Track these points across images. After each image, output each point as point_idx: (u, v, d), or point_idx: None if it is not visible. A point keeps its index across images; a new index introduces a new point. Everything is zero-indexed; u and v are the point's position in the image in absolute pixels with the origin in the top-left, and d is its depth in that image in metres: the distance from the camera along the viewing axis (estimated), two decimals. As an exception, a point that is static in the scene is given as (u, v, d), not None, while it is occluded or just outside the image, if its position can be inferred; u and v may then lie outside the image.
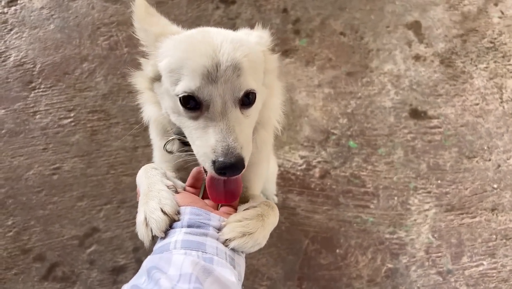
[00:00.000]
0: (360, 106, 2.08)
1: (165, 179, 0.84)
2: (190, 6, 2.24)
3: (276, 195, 1.88)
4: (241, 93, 0.78)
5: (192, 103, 0.78)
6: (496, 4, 2.34)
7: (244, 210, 0.82)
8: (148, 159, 1.07)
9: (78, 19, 2.21)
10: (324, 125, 2.03)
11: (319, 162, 1.96)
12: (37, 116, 2.00)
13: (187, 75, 0.76)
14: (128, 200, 1.86)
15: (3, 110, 2.00)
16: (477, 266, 1.83)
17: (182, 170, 0.95)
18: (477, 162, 2.00)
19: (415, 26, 2.27)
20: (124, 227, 1.82)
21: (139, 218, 0.77)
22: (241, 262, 0.75)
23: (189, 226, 0.72)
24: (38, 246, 1.80)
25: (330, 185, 1.93)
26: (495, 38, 2.26)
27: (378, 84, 2.13)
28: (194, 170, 0.87)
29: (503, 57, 2.22)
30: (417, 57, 2.20)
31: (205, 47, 0.76)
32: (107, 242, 1.81)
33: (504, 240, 1.88)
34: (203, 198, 0.86)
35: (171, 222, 0.74)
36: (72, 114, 2.01)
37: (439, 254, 1.84)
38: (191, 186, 0.86)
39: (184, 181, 0.88)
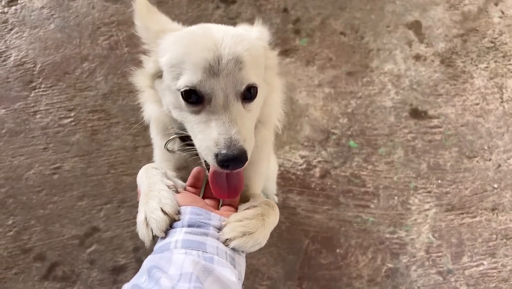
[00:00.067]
0: (360, 106, 2.08)
1: (165, 178, 0.84)
2: (191, 6, 2.24)
3: (277, 195, 1.88)
4: (243, 87, 0.78)
5: (193, 98, 0.78)
6: (496, 4, 2.33)
7: (245, 209, 0.82)
8: (149, 158, 1.08)
9: (79, 18, 2.21)
10: (325, 125, 2.03)
11: (319, 162, 1.96)
12: (38, 116, 2.00)
13: (189, 69, 0.76)
14: (128, 199, 1.86)
15: (3, 110, 2.01)
16: (477, 265, 1.83)
17: (182, 169, 0.95)
18: (477, 161, 2.00)
19: (416, 26, 2.27)
20: (124, 227, 1.82)
21: (140, 218, 0.77)
22: (241, 261, 0.75)
23: (189, 226, 0.72)
24: (39, 245, 1.80)
25: (330, 185, 1.93)
26: (496, 38, 2.26)
27: (378, 84, 2.13)
28: (195, 169, 0.87)
29: (503, 57, 2.22)
30: (417, 57, 2.20)
31: (206, 41, 0.77)
32: (107, 241, 1.81)
33: (504, 240, 1.87)
34: (203, 197, 0.86)
35: (172, 222, 0.74)
36: (72, 114, 2.01)
37: (440, 254, 1.84)
38: (192, 185, 0.86)
39: (184, 180, 0.88)
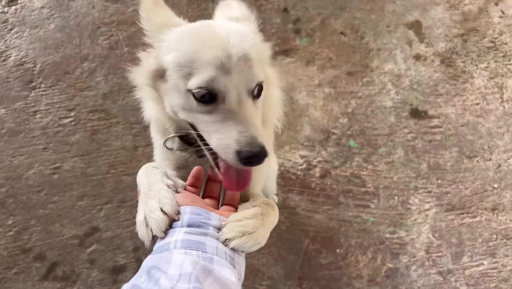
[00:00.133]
0: (360, 106, 2.08)
1: (165, 178, 0.84)
2: (191, 6, 2.24)
3: (277, 195, 1.88)
4: (254, 84, 0.79)
5: (207, 97, 0.77)
6: (496, 4, 2.33)
7: (244, 209, 0.82)
8: (149, 158, 1.08)
9: (79, 18, 2.21)
10: (325, 125, 2.03)
11: (319, 162, 1.96)
12: (38, 116, 2.00)
13: (201, 68, 0.75)
14: (128, 199, 1.86)
15: (3, 110, 2.01)
16: (477, 265, 1.83)
17: (182, 168, 0.95)
18: (477, 161, 2.00)
19: (416, 26, 2.27)
20: (124, 227, 1.82)
21: (139, 218, 0.76)
22: (241, 261, 0.75)
23: (189, 226, 0.72)
24: (39, 245, 1.80)
25: (330, 185, 1.93)
26: (496, 38, 2.26)
27: (378, 84, 2.13)
28: (195, 169, 0.87)
29: (503, 56, 2.21)
30: (417, 57, 2.20)
31: (215, 39, 0.77)
32: (107, 241, 1.81)
33: (504, 240, 1.87)
34: (203, 197, 0.86)
35: (171, 222, 0.74)
36: (72, 114, 2.01)
37: (440, 254, 1.84)
38: (192, 185, 0.86)
39: (184, 179, 0.88)
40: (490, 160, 2.01)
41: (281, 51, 2.17)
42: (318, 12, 2.27)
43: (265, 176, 1.14)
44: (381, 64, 2.17)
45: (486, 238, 1.88)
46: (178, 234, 0.70)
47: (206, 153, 0.84)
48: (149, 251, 0.75)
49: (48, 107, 2.02)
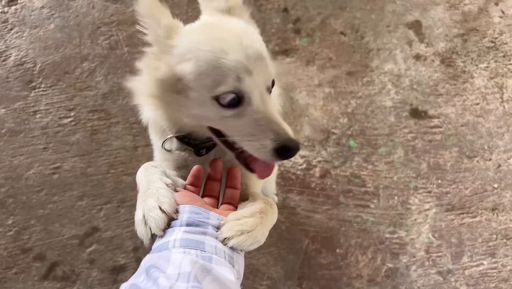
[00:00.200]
0: (360, 105, 2.08)
1: (164, 177, 0.83)
2: (191, 6, 2.24)
3: (276, 195, 1.88)
4: (270, 82, 0.81)
5: (233, 101, 0.77)
6: (496, 4, 2.33)
7: (244, 208, 0.82)
8: (148, 158, 1.08)
9: (79, 18, 2.21)
10: (325, 124, 2.03)
11: (319, 162, 1.96)
12: (37, 116, 2.00)
13: (226, 74, 0.75)
14: (128, 199, 1.86)
15: (3, 110, 2.01)
16: (477, 265, 1.83)
17: (182, 168, 0.95)
18: (477, 161, 2.00)
19: (416, 26, 2.27)
20: (124, 227, 1.82)
21: (138, 216, 0.77)
22: (240, 260, 0.75)
23: (188, 225, 0.72)
24: (38, 245, 1.80)
25: (330, 185, 1.93)
26: (496, 38, 2.26)
27: (378, 83, 2.13)
28: (194, 168, 0.87)
29: (503, 56, 2.21)
30: (417, 57, 2.20)
31: (230, 43, 0.76)
32: (107, 241, 1.81)
33: (504, 240, 1.87)
34: (203, 196, 0.86)
35: (170, 221, 0.74)
36: (72, 114, 2.01)
37: (439, 254, 1.84)
38: (191, 184, 0.86)
39: (184, 179, 0.88)
40: (490, 160, 2.01)
41: (281, 51, 2.17)
42: (318, 12, 2.27)
43: None
44: (381, 64, 2.17)
45: (486, 238, 1.87)
46: (177, 233, 0.70)
47: (228, 151, 0.86)
48: (148, 250, 0.75)
49: (48, 107, 2.02)
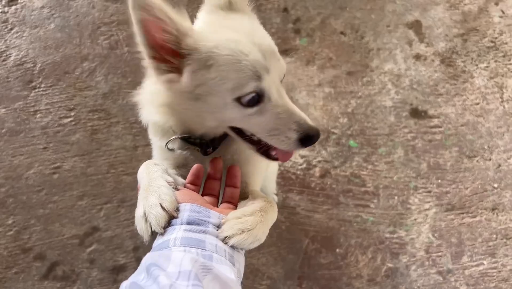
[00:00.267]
0: (360, 105, 2.08)
1: (165, 175, 0.84)
2: (191, 6, 2.24)
3: (276, 194, 1.88)
4: (283, 74, 0.84)
5: (254, 100, 0.79)
6: (496, 4, 2.33)
7: (244, 206, 0.82)
8: (148, 158, 1.08)
9: (79, 18, 2.21)
10: (325, 124, 2.03)
11: (319, 161, 1.96)
12: (38, 116, 2.00)
13: (248, 75, 0.76)
14: (128, 199, 1.86)
15: (3, 110, 2.01)
16: (477, 265, 1.83)
17: (182, 167, 0.95)
18: (477, 161, 2.00)
19: (416, 26, 2.27)
20: (124, 226, 1.82)
21: (138, 213, 0.77)
22: (240, 259, 0.75)
23: (188, 223, 0.72)
24: (39, 245, 1.80)
25: (330, 184, 1.93)
26: (496, 38, 2.26)
27: (378, 83, 2.13)
28: (194, 167, 0.87)
29: (503, 56, 2.21)
30: (417, 57, 2.20)
31: (245, 43, 0.76)
32: (107, 241, 1.81)
33: (504, 240, 1.87)
34: (203, 194, 0.86)
35: (170, 218, 0.74)
36: (72, 114, 2.01)
37: (439, 254, 1.84)
38: (191, 183, 0.86)
39: (184, 178, 0.88)
40: (490, 159, 2.01)
41: (281, 51, 2.16)
42: (318, 12, 2.27)
43: (264, 173, 1.14)
44: (381, 64, 2.17)
45: (486, 238, 1.87)
46: (178, 231, 0.70)
47: (249, 146, 0.89)
48: (148, 246, 0.75)
49: (48, 107, 2.02)
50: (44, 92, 2.04)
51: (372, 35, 2.23)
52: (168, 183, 0.81)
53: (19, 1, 2.24)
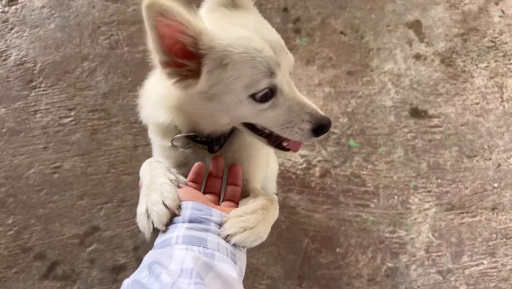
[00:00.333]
0: (360, 105, 2.08)
1: (168, 172, 0.84)
2: (191, 6, 2.24)
3: (276, 194, 1.88)
4: (292, 66, 0.86)
5: (266, 95, 0.80)
6: (496, 3, 2.33)
7: (245, 204, 0.82)
8: (148, 157, 1.08)
9: (79, 18, 2.21)
10: (325, 124, 2.03)
11: (319, 161, 1.96)
12: (38, 115, 2.00)
13: (262, 71, 0.77)
14: (128, 198, 1.86)
15: (3, 109, 2.01)
16: (477, 265, 1.83)
17: (183, 166, 0.95)
18: (477, 161, 2.00)
19: (416, 25, 2.27)
20: (124, 226, 1.82)
21: (140, 209, 0.77)
22: (242, 257, 0.75)
23: (190, 221, 0.72)
24: (39, 244, 1.80)
25: (330, 184, 1.93)
26: (496, 37, 2.26)
27: (378, 83, 2.13)
28: (196, 165, 0.87)
29: (503, 56, 2.22)
30: (417, 56, 2.20)
31: (257, 40, 0.77)
32: (107, 240, 1.81)
33: (504, 239, 1.87)
34: (204, 192, 0.87)
35: (172, 216, 0.74)
36: (72, 113, 2.01)
37: (439, 253, 1.84)
38: (193, 181, 0.86)
39: (185, 176, 0.88)
40: (490, 159, 2.01)
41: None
42: (318, 12, 2.28)
43: (264, 170, 1.15)
44: (381, 64, 2.17)
45: (486, 238, 1.88)
46: (180, 229, 0.71)
47: (261, 139, 0.90)
48: (149, 243, 0.75)
49: (48, 107, 2.02)
50: (44, 92, 2.05)
51: (372, 35, 2.23)
52: (171, 180, 0.81)
53: (19, 1, 2.24)
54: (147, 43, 0.74)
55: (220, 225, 0.75)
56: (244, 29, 0.79)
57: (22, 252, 1.79)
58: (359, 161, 1.97)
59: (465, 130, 2.06)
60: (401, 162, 1.98)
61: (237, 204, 0.85)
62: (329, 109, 2.06)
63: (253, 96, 0.79)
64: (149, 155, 1.05)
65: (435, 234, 1.87)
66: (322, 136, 1.97)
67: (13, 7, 2.23)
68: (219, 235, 0.73)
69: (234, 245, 0.73)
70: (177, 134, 0.92)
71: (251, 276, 1.76)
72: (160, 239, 0.72)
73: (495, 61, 2.20)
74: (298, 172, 1.94)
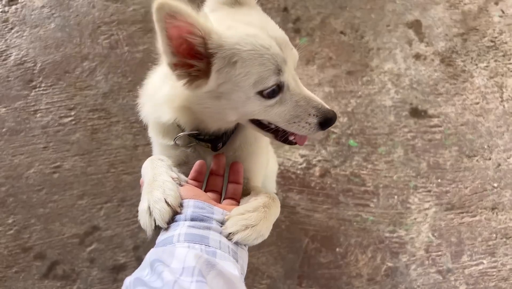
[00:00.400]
0: (360, 105, 2.08)
1: (170, 170, 0.84)
2: (191, 6, 2.24)
3: (276, 194, 1.88)
4: (296, 61, 0.87)
5: (274, 91, 0.81)
6: (496, 3, 2.34)
7: (246, 202, 0.82)
8: (148, 157, 1.08)
9: (79, 18, 2.21)
10: (324, 124, 2.03)
11: (319, 161, 1.97)
12: (38, 115, 2.00)
13: (270, 68, 0.78)
14: (128, 198, 1.86)
15: (3, 109, 2.01)
16: (477, 265, 1.83)
17: (183, 165, 0.95)
18: (477, 160, 2.01)
19: (416, 25, 2.27)
20: (124, 226, 1.82)
21: (142, 207, 0.77)
22: (243, 255, 0.75)
23: (192, 219, 0.73)
24: (39, 244, 1.80)
25: (330, 184, 1.93)
26: (496, 37, 2.26)
27: (378, 83, 2.13)
28: (197, 163, 0.87)
29: (503, 56, 2.22)
30: (417, 56, 2.20)
31: (264, 37, 0.78)
32: (107, 240, 1.81)
33: (504, 239, 1.88)
34: (205, 191, 0.87)
35: (174, 214, 0.74)
36: (72, 113, 2.01)
37: (439, 253, 1.84)
38: (194, 179, 0.86)
39: (186, 175, 0.88)
40: (489, 159, 2.01)
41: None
42: (318, 12, 2.28)
43: (265, 168, 1.15)
44: (381, 64, 2.17)
45: (485, 237, 1.88)
46: (182, 227, 0.71)
47: (268, 134, 0.92)
48: (148, 248, 0.75)
49: (49, 107, 2.02)
50: (44, 92, 2.05)
51: (372, 34, 2.24)
52: (173, 178, 0.81)
53: (19, 0, 2.24)
54: (156, 45, 0.75)
55: (222, 223, 0.75)
56: (249, 26, 0.79)
57: (22, 252, 1.79)
58: (359, 161, 1.97)
59: (465, 130, 2.06)
60: (401, 161, 1.98)
61: (238, 202, 0.85)
62: (329, 109, 2.06)
63: (261, 93, 0.80)
64: (149, 154, 1.05)
65: (435, 234, 1.87)
66: (322, 136, 1.99)
67: (13, 7, 2.23)
68: (221, 233, 0.73)
69: (236, 243, 0.74)
70: (178, 133, 0.92)
71: (251, 276, 1.76)
72: (162, 237, 0.72)
73: (495, 61, 2.20)
74: (298, 172, 1.94)
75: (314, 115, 0.85)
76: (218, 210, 0.76)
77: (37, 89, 2.05)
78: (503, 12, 2.32)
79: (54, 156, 1.93)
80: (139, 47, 2.11)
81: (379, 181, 1.95)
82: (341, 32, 2.24)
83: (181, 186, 0.81)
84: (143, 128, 1.92)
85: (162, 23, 0.69)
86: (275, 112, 0.84)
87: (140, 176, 0.91)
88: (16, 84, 2.06)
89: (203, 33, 0.73)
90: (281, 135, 0.91)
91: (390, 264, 1.81)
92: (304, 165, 1.95)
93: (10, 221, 1.83)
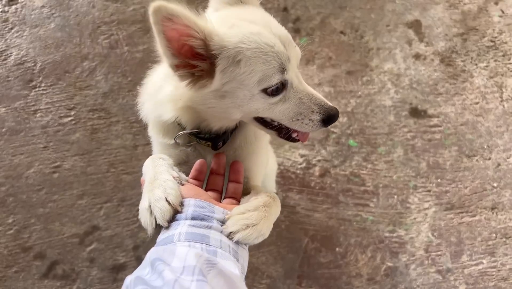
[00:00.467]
0: (360, 105, 2.08)
1: (171, 169, 0.84)
2: (191, 5, 2.25)
3: (276, 193, 1.88)
4: (299, 59, 0.87)
5: (277, 88, 0.82)
6: (496, 3, 2.34)
7: (247, 202, 0.83)
8: (148, 157, 1.08)
9: (79, 17, 2.21)
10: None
11: (319, 161, 1.97)
12: (38, 115, 2.00)
13: (274, 66, 0.78)
14: (128, 198, 1.86)
15: (3, 109, 2.01)
16: (476, 264, 1.83)
17: (183, 164, 0.95)
18: (477, 160, 2.01)
19: (416, 25, 2.28)
20: (124, 225, 1.82)
21: (143, 205, 0.77)
22: (244, 254, 0.75)
23: (193, 218, 0.73)
24: (39, 244, 1.80)
25: (330, 184, 1.93)
26: (496, 37, 2.26)
27: (378, 83, 2.13)
28: (198, 162, 0.88)
29: (503, 56, 2.22)
30: (417, 56, 2.20)
31: (267, 35, 0.78)
32: (107, 240, 1.81)
33: (503, 239, 1.88)
34: (206, 190, 0.87)
35: (175, 213, 0.74)
36: (72, 113, 2.01)
37: (439, 253, 1.84)
38: (195, 178, 0.86)
39: (186, 175, 0.88)
40: (489, 159, 2.01)
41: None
42: (317, 11, 2.28)
43: (265, 167, 1.15)
44: (380, 64, 2.17)
45: (485, 237, 1.88)
46: (182, 226, 0.71)
47: (271, 132, 0.92)
48: (148, 247, 0.75)
49: (48, 106, 2.02)
50: (44, 92, 2.05)
51: (372, 34, 2.24)
52: (174, 177, 0.81)
53: (19, 0, 2.24)
54: (155, 46, 0.75)
55: (223, 222, 0.75)
56: (254, 24, 0.79)
57: (22, 251, 1.79)
58: (358, 161, 1.98)
59: (465, 130, 2.06)
60: (400, 161, 1.98)
61: (238, 201, 0.85)
62: (328, 109, 2.06)
63: (265, 91, 0.80)
64: (149, 154, 1.05)
65: (435, 234, 1.87)
66: (322, 136, 1.99)
67: (13, 6, 2.23)
68: (221, 232, 0.73)
69: (237, 242, 0.74)
70: (179, 131, 0.92)
71: (250, 276, 1.76)
72: (162, 236, 0.72)
73: (495, 61, 2.20)
74: (298, 172, 1.94)
75: (317, 112, 0.86)
76: (218, 209, 0.76)
77: (37, 89, 2.05)
78: (503, 12, 2.32)
79: (54, 155, 1.93)
80: (139, 47, 2.11)
81: (378, 181, 1.95)
82: (341, 32, 2.24)
83: (182, 185, 0.81)
84: (143, 128, 1.92)
85: (159, 26, 0.69)
86: (279, 110, 0.85)
87: (140, 176, 0.91)
88: (16, 84, 2.06)
89: (203, 35, 0.72)
90: (284, 133, 0.92)
91: (389, 264, 1.81)
92: (304, 164, 1.95)
93: (10, 220, 1.83)
